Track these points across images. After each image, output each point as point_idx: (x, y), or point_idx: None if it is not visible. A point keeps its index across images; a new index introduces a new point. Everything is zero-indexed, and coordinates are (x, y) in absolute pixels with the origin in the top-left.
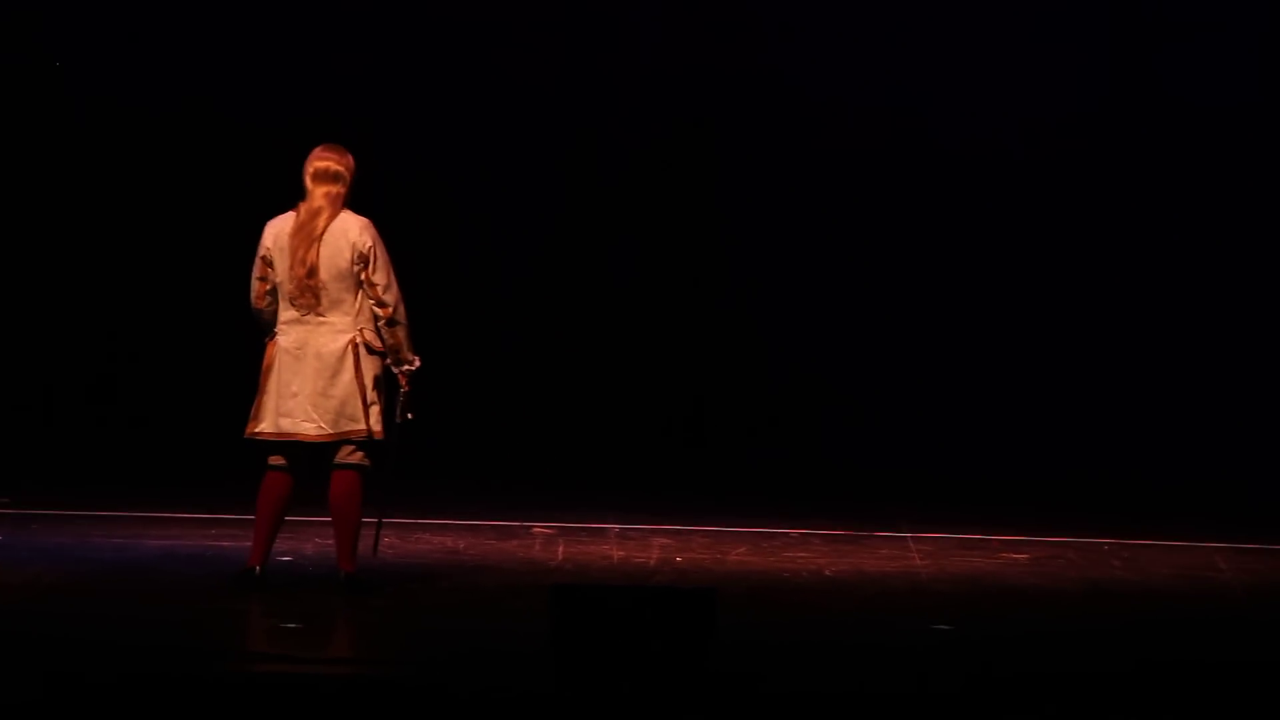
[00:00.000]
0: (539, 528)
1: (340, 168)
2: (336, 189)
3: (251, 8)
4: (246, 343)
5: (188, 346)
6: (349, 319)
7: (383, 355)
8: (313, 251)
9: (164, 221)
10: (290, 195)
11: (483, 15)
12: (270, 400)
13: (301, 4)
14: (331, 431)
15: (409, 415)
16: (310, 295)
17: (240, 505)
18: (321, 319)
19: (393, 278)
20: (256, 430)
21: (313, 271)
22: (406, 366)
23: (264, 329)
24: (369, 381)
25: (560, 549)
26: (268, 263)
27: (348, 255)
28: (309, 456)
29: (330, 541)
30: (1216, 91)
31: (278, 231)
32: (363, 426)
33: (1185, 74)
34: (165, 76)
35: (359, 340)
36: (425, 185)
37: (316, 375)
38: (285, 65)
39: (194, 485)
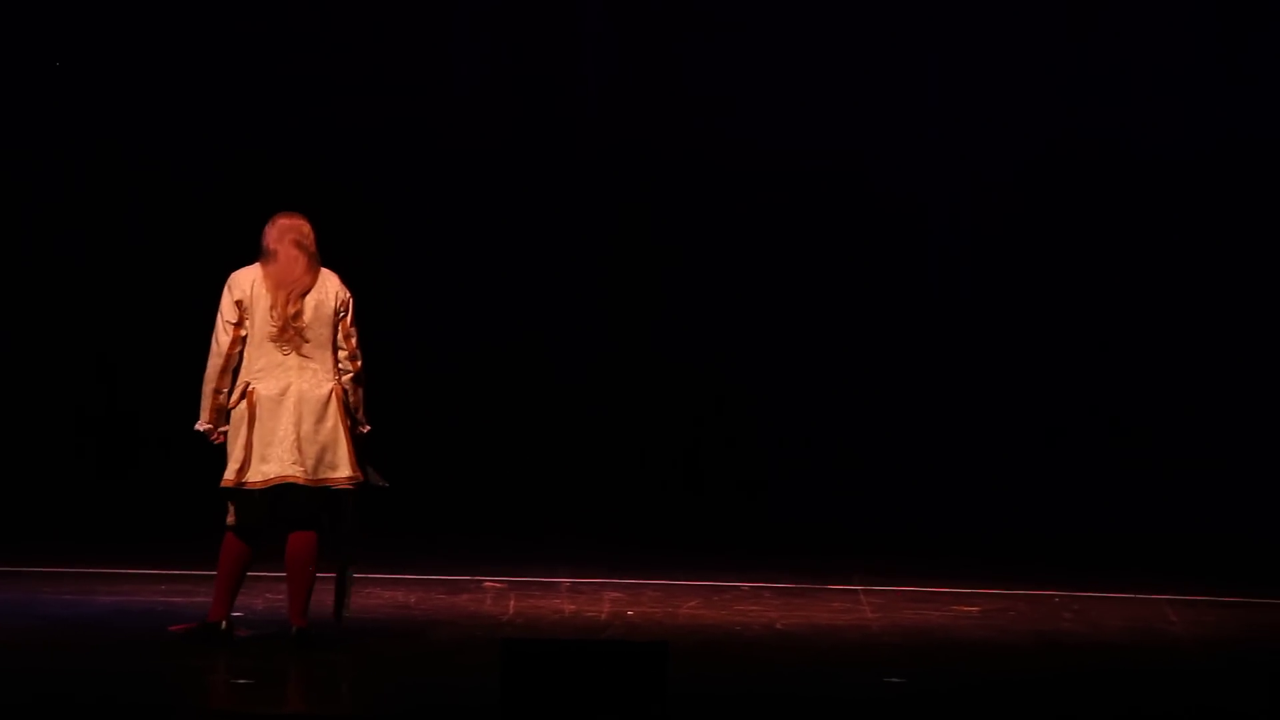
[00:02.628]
0: (490, 581)
1: (306, 230)
2: (307, 246)
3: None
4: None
5: (140, 398)
6: (329, 365)
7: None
8: (299, 293)
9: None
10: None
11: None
12: (256, 449)
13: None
14: (312, 477)
15: (384, 482)
16: (296, 337)
17: (193, 560)
18: (305, 359)
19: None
20: (243, 480)
21: (299, 314)
22: (361, 429)
23: (216, 383)
24: (347, 430)
25: (511, 603)
26: (243, 308)
27: (332, 303)
28: (271, 505)
29: (280, 597)
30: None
31: (253, 279)
32: (344, 474)
33: (1129, 126)
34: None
35: (343, 388)
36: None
37: (302, 419)
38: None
39: (146, 540)
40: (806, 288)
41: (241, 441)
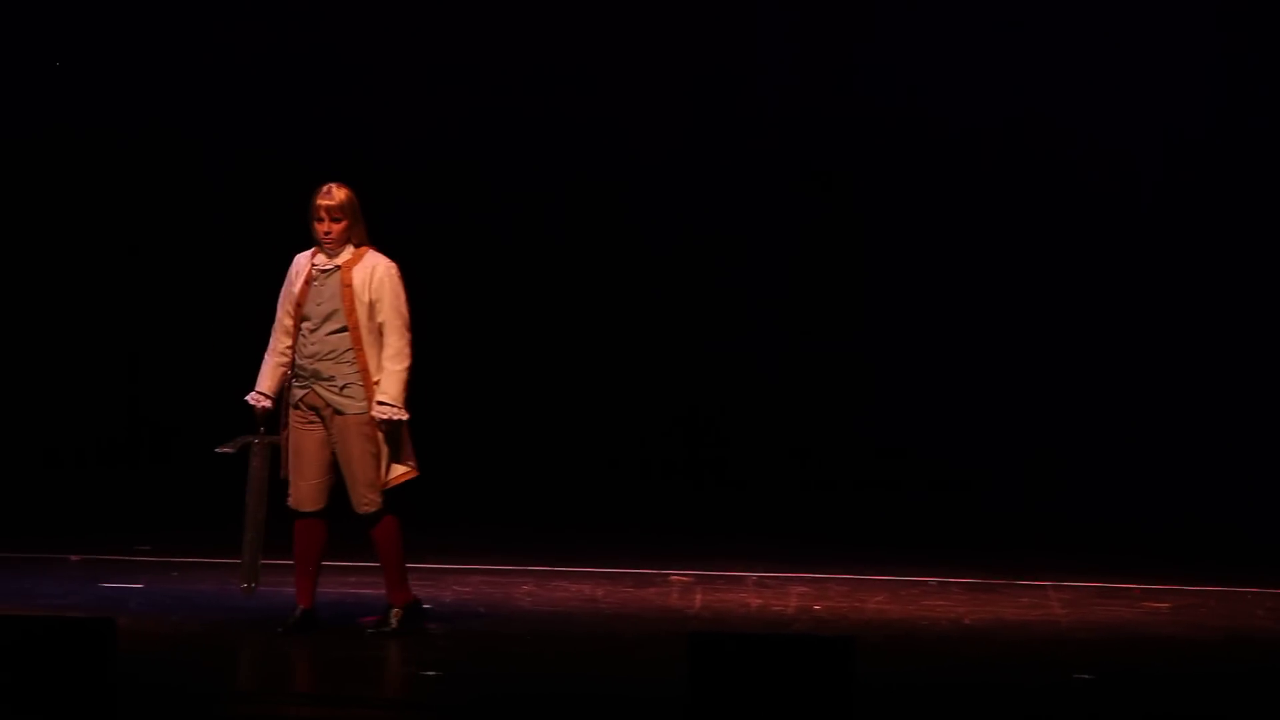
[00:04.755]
0: (677, 575)
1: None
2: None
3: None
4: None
5: None
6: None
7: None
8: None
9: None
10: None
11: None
12: None
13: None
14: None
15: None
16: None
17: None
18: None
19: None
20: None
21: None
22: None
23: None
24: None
25: (698, 597)
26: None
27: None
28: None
29: (467, 589)
30: None
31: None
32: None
33: None
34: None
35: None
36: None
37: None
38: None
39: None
40: (987, 277)
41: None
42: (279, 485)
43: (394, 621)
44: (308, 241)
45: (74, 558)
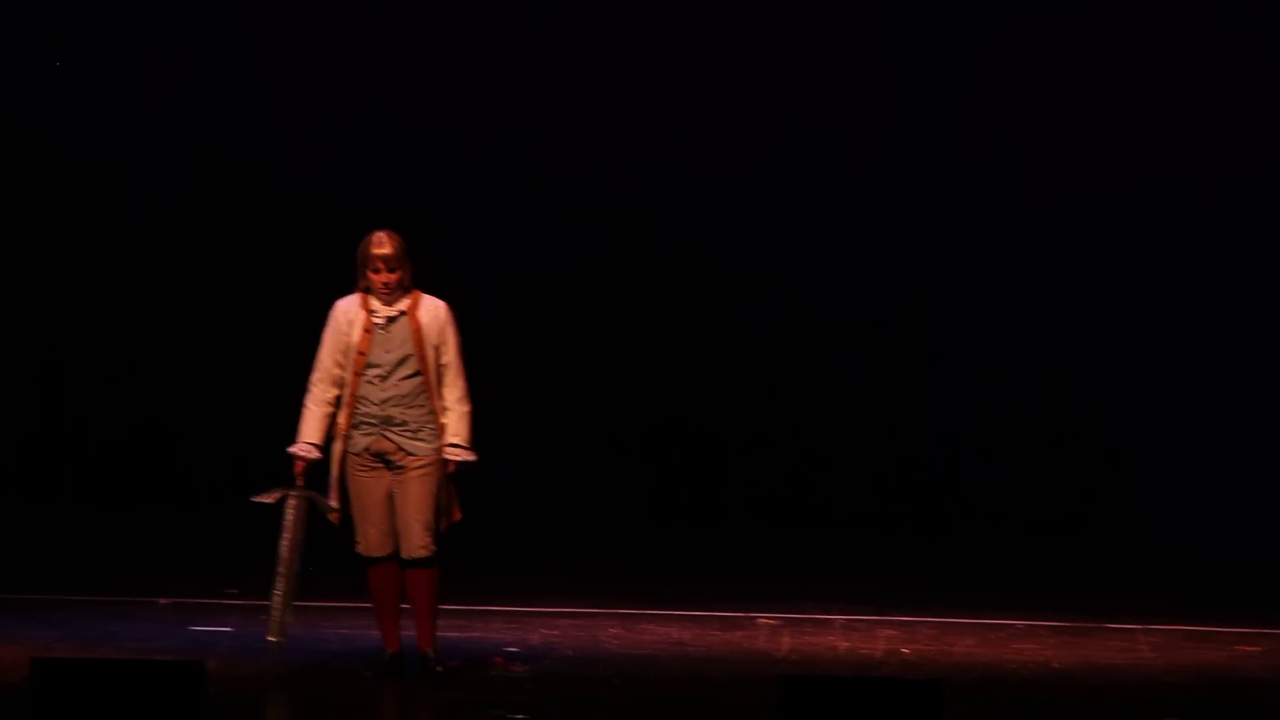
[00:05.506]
0: (764, 619)
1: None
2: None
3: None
4: None
5: None
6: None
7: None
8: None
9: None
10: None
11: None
12: None
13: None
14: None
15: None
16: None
17: (455, 596)
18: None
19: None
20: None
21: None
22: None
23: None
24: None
25: (786, 640)
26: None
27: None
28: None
29: (555, 632)
30: None
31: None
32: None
33: None
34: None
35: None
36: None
37: None
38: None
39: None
40: (1075, 322)
41: None
42: (315, 536)
43: (442, 665)
44: (332, 279)
45: (163, 601)
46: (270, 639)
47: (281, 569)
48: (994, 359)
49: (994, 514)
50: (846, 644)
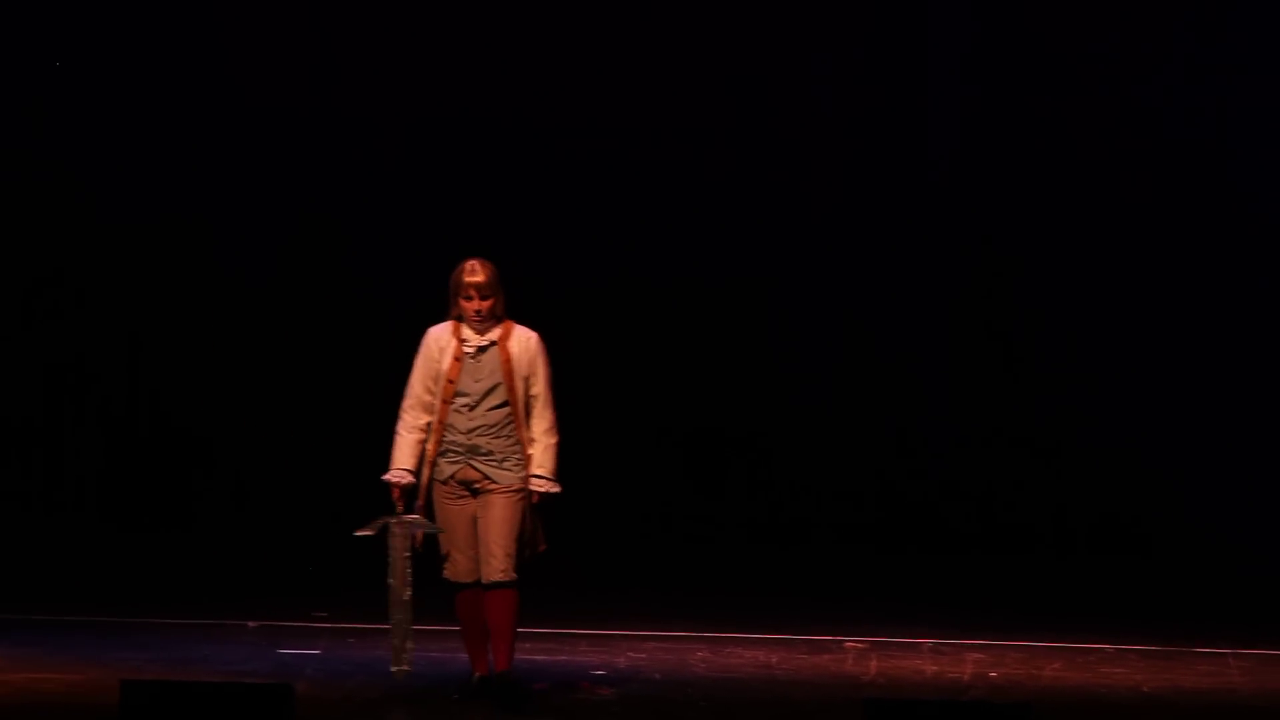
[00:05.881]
0: (851, 642)
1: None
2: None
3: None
4: None
5: None
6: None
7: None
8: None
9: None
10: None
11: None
12: None
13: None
14: None
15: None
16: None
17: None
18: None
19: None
20: None
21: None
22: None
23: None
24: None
25: (873, 663)
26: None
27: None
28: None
29: (642, 655)
30: None
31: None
32: None
33: None
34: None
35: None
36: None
37: None
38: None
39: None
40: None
41: None
42: (426, 564)
43: (520, 685)
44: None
45: (252, 624)
46: (394, 669)
47: (395, 599)
48: (1087, 379)
49: (1081, 536)
50: (934, 668)
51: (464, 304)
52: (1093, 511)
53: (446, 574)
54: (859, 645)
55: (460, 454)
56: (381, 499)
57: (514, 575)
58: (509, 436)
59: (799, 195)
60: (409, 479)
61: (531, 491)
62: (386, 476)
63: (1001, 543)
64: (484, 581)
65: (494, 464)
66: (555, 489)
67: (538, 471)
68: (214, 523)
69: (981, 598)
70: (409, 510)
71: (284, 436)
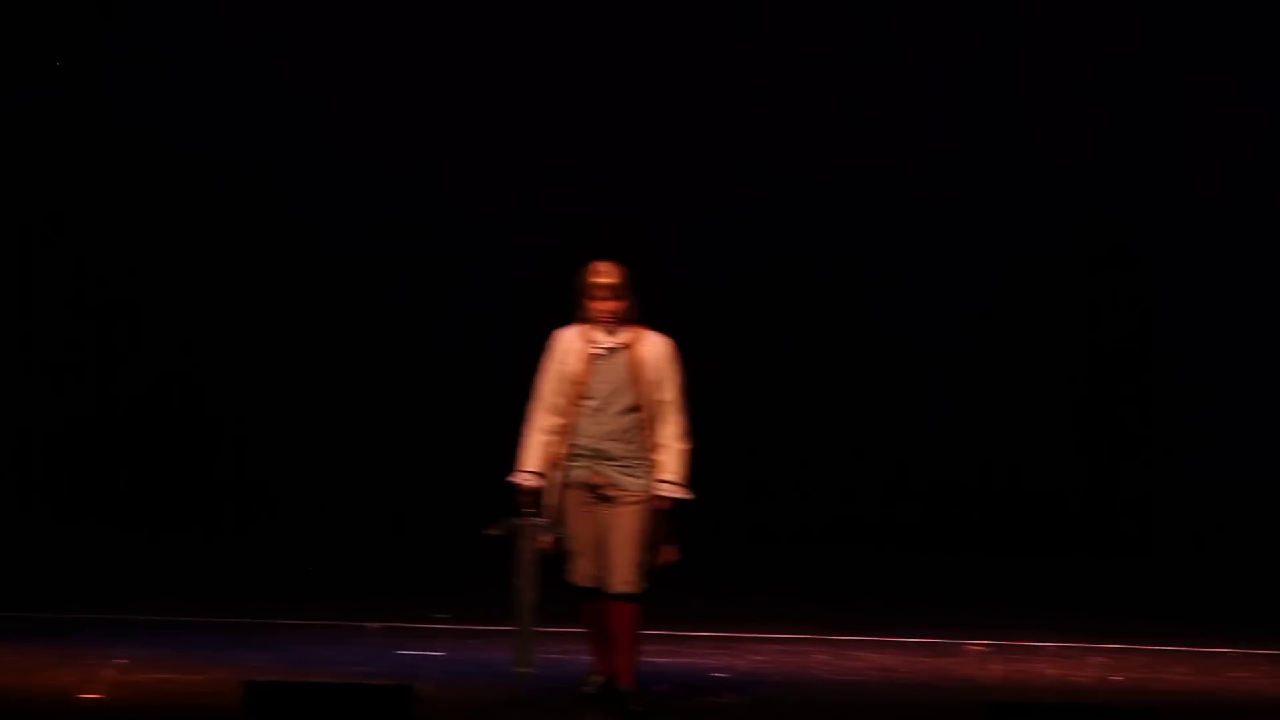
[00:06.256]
0: (973, 645)
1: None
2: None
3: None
4: None
5: None
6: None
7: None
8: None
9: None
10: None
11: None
12: None
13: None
14: None
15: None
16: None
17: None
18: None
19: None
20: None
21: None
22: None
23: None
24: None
25: (995, 666)
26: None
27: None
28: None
29: (763, 658)
30: None
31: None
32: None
33: None
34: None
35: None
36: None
37: None
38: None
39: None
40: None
41: None
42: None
43: (640, 703)
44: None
45: (373, 625)
46: (517, 670)
47: (521, 600)
48: (1209, 385)
49: (1208, 540)
50: (1057, 671)
51: (593, 305)
52: (1218, 515)
53: (572, 577)
54: (980, 648)
55: (588, 458)
56: (453, 500)
57: (639, 587)
58: (637, 442)
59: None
60: (536, 481)
61: (660, 498)
62: (513, 478)
63: (1123, 545)
64: (610, 592)
65: (621, 470)
66: (685, 495)
67: (667, 476)
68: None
69: (1104, 601)
70: (536, 512)
71: (356, 436)
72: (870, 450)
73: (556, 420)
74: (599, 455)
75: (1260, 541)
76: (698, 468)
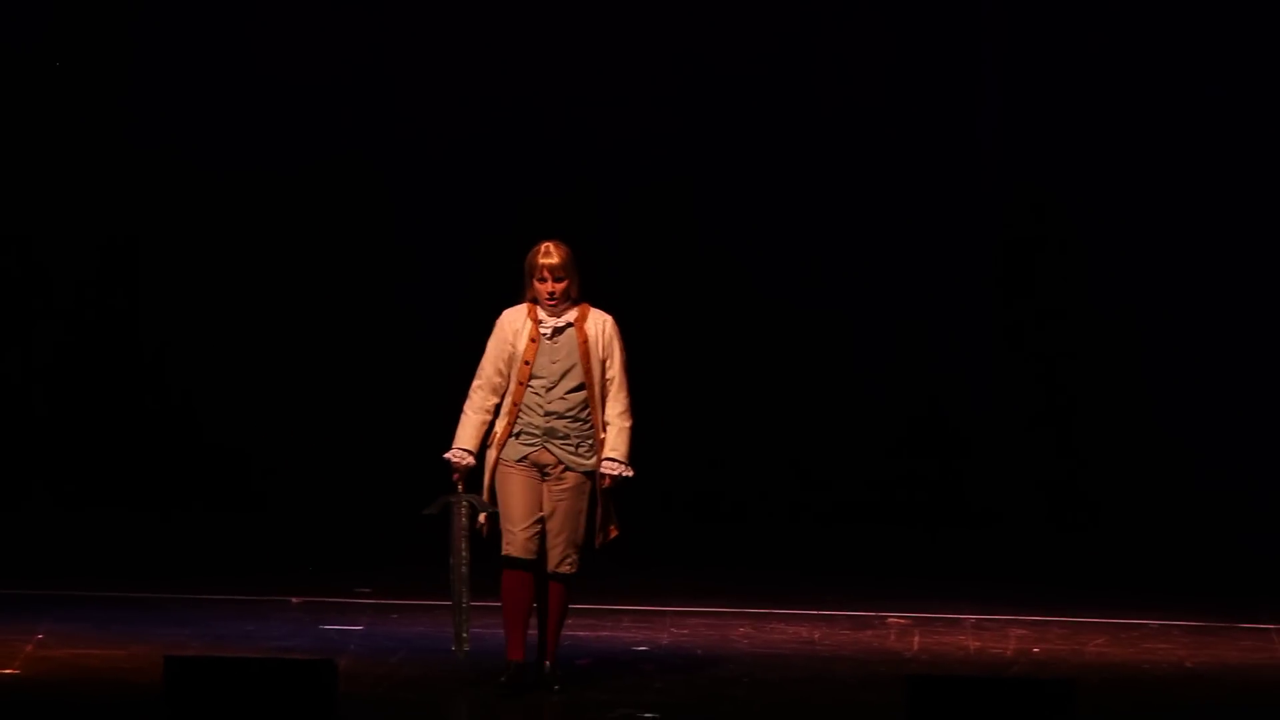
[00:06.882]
0: (894, 618)
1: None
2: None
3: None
4: None
5: None
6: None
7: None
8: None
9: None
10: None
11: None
12: None
13: None
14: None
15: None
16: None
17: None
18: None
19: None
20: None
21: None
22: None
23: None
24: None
25: (916, 639)
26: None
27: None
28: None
29: (685, 631)
30: None
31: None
32: None
33: None
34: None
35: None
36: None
37: None
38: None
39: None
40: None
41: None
42: (482, 542)
43: (560, 683)
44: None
45: (295, 600)
46: (455, 649)
47: (455, 578)
48: (1144, 363)
49: (1126, 513)
50: (977, 644)
51: (538, 286)
52: (1133, 487)
53: (505, 551)
54: (901, 621)
55: (536, 437)
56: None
57: (578, 567)
58: (585, 420)
59: (826, 187)
60: (469, 460)
61: (603, 475)
62: (447, 455)
63: (1044, 520)
64: (548, 570)
65: (569, 450)
66: (627, 473)
67: (611, 455)
68: (250, 502)
69: (1024, 574)
70: (470, 490)
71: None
72: (800, 425)
73: (495, 400)
74: (549, 434)
75: (1176, 512)
76: (643, 444)
